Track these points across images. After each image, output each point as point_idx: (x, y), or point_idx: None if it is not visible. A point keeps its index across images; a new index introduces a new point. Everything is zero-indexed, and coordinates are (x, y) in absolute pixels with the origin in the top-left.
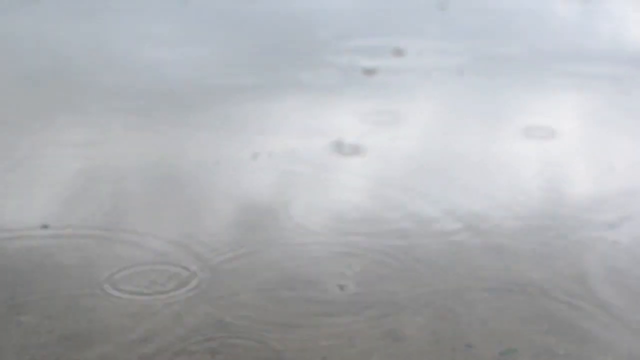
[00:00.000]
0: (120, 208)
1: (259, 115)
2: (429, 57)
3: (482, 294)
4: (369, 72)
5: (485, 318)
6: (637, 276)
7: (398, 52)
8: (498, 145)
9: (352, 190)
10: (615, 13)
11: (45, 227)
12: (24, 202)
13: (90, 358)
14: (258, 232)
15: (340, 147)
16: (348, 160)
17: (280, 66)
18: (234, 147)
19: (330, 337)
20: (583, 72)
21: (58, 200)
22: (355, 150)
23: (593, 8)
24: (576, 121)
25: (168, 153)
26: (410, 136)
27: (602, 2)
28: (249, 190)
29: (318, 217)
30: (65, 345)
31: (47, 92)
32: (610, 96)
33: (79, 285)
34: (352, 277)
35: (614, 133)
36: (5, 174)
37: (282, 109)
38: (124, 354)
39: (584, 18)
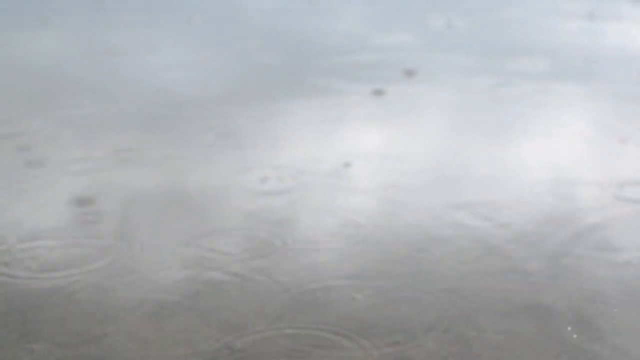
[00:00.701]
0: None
1: (264, 133)
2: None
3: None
4: (378, 92)
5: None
6: None
7: (409, 73)
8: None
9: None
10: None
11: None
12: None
13: None
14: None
15: (347, 168)
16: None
17: (286, 84)
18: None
19: None
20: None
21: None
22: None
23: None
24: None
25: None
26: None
27: (605, 18)
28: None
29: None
30: None
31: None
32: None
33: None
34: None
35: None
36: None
37: (289, 126)
38: None
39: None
